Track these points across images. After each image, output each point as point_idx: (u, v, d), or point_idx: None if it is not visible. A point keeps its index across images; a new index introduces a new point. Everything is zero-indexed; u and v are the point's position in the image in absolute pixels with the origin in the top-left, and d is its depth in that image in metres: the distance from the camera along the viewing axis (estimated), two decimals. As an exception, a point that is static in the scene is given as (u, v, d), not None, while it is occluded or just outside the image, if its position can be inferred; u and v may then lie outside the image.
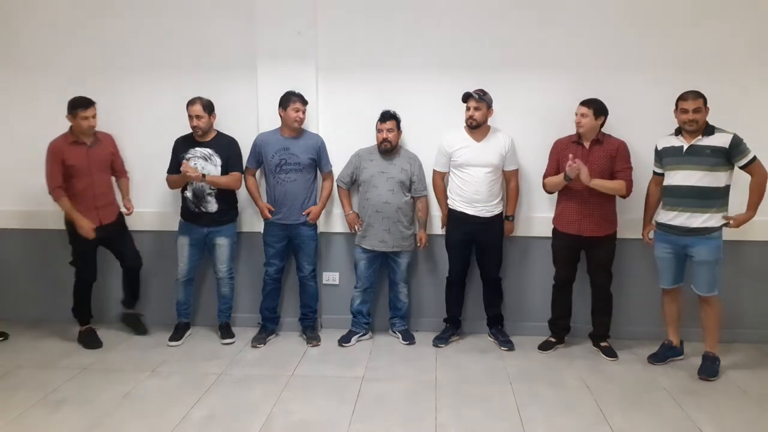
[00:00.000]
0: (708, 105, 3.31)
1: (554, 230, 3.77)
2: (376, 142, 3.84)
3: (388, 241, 3.83)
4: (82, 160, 3.70)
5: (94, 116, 3.70)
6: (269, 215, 3.84)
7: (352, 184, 3.94)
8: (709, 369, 3.39)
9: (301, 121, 3.78)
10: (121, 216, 3.96)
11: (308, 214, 3.86)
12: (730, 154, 3.26)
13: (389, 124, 3.76)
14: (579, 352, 3.78)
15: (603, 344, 3.77)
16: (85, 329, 3.98)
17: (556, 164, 3.67)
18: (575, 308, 3.85)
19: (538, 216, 3.95)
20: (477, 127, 3.69)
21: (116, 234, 3.91)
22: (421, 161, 3.90)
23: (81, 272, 3.88)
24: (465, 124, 3.74)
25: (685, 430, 2.84)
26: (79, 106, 3.64)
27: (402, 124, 3.84)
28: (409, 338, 3.95)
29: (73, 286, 3.92)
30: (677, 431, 2.84)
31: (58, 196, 3.67)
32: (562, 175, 3.53)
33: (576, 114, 3.56)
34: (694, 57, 3.74)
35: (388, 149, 3.79)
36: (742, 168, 3.29)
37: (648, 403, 3.11)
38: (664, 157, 3.45)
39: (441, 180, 3.88)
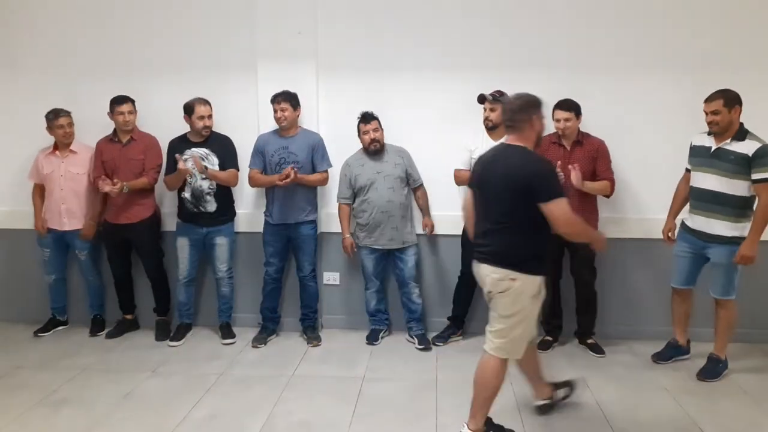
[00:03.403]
0: (738, 106, 3.15)
1: None
2: (361, 146, 3.83)
3: (396, 239, 3.82)
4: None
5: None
6: (290, 171, 3.62)
7: (354, 197, 3.89)
8: (710, 371, 3.38)
9: (285, 119, 3.73)
10: None
11: (306, 216, 3.85)
12: (751, 163, 3.10)
13: (373, 124, 3.75)
14: (579, 352, 3.78)
15: (589, 341, 3.78)
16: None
17: None
18: (572, 307, 3.86)
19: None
20: (493, 128, 3.69)
21: None
22: (409, 152, 3.89)
23: None
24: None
25: (686, 430, 2.84)
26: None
27: (403, 125, 3.83)
28: (425, 343, 3.85)
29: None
30: (678, 431, 2.84)
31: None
32: None
33: (557, 119, 3.53)
34: (706, 57, 3.73)
35: (378, 149, 3.78)
36: (753, 182, 3.11)
37: (649, 403, 3.11)
38: (694, 155, 3.37)
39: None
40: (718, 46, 3.72)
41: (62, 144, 3.95)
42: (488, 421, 2.67)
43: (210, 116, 3.79)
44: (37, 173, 4.02)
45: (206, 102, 3.79)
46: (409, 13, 3.91)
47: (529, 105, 2.56)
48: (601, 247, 2.70)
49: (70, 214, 3.98)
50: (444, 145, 3.89)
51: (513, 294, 2.51)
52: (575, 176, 3.41)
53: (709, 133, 3.30)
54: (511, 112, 2.57)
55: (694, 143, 3.40)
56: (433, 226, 3.93)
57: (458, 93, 3.85)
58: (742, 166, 3.13)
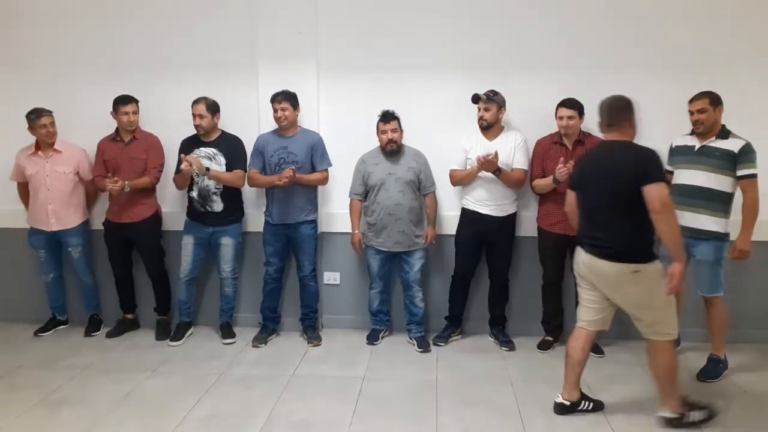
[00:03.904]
0: (721, 106, 3.26)
1: (540, 230, 3.79)
2: (378, 145, 3.82)
3: (402, 242, 3.80)
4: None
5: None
6: (290, 173, 3.63)
7: (367, 194, 3.86)
8: (711, 371, 3.39)
9: (285, 119, 3.73)
10: None
11: (306, 216, 3.85)
12: (737, 160, 3.20)
13: (393, 124, 3.73)
14: (580, 352, 3.78)
15: None
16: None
17: (541, 165, 3.68)
18: (569, 307, 3.86)
19: (535, 216, 3.94)
20: (488, 128, 3.69)
21: None
22: (426, 157, 3.86)
23: None
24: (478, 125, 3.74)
25: (686, 430, 2.83)
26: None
27: (403, 125, 3.82)
28: (424, 346, 3.83)
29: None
30: (678, 431, 2.83)
31: None
32: (551, 178, 3.54)
33: (561, 117, 3.55)
34: (697, 57, 3.74)
35: (395, 149, 3.76)
36: (739, 178, 3.22)
37: (649, 403, 3.09)
38: (676, 155, 3.44)
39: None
40: (719, 46, 3.73)
41: (45, 144, 3.91)
42: (685, 400, 2.82)
43: (201, 115, 3.74)
44: (20, 174, 3.99)
45: (199, 101, 3.75)
46: (409, 12, 3.91)
47: (628, 105, 2.78)
48: (678, 273, 2.60)
49: (57, 214, 3.94)
50: (444, 145, 3.88)
51: (639, 284, 2.69)
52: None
53: (692, 133, 3.39)
54: (612, 111, 2.79)
55: (676, 144, 3.47)
56: (434, 237, 3.86)
57: (459, 93, 3.84)
58: (728, 162, 3.22)
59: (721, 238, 3.28)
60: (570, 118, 3.53)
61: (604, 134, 2.87)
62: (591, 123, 3.64)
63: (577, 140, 3.61)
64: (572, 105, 3.54)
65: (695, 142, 3.35)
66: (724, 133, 3.27)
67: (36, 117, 3.84)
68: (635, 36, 3.79)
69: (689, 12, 3.74)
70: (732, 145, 3.22)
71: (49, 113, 3.88)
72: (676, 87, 3.52)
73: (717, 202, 3.26)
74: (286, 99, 3.72)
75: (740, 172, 3.21)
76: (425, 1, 3.90)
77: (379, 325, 4.04)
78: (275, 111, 3.72)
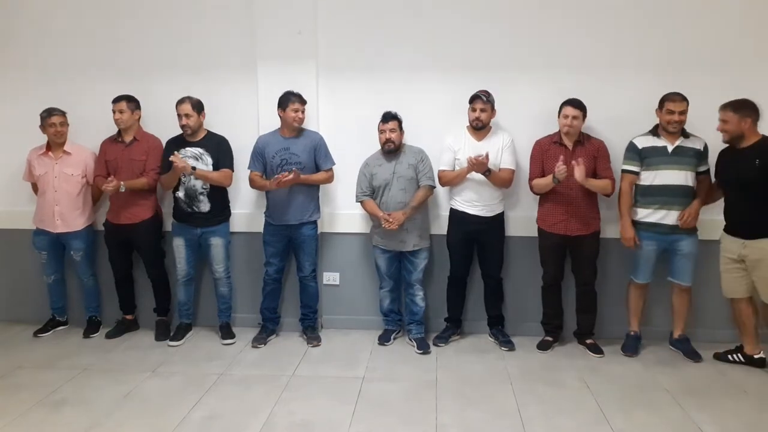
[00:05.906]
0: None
1: (540, 230, 3.79)
2: (379, 146, 3.82)
3: (407, 241, 3.79)
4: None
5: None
6: (288, 175, 3.63)
7: (373, 192, 3.84)
8: (692, 350, 3.64)
9: (301, 120, 3.76)
10: None
11: (309, 217, 3.86)
12: (701, 156, 3.49)
13: (391, 125, 3.73)
14: (579, 352, 3.78)
15: (588, 341, 3.80)
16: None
17: (541, 165, 3.68)
18: (569, 307, 3.88)
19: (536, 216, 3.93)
20: (482, 128, 3.70)
21: None
22: (426, 153, 3.82)
23: None
24: (468, 125, 3.74)
25: (685, 430, 2.84)
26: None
27: (404, 125, 3.82)
28: (424, 347, 3.80)
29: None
30: (678, 431, 2.84)
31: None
32: (550, 178, 3.54)
33: (566, 116, 3.55)
34: (690, 57, 3.74)
35: (392, 149, 3.76)
36: (699, 173, 3.52)
37: (648, 403, 3.11)
38: (647, 156, 3.52)
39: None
40: (720, 47, 3.72)
41: (55, 144, 3.92)
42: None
43: (187, 115, 3.74)
44: (31, 174, 4.01)
45: (184, 100, 3.75)
46: (409, 13, 3.91)
47: None
48: None
49: (63, 216, 3.94)
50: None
51: None
52: (579, 171, 3.43)
53: (654, 133, 3.52)
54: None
55: (643, 145, 3.54)
56: (396, 218, 3.64)
57: (459, 93, 3.84)
58: (697, 159, 3.50)
59: (696, 230, 3.57)
60: (575, 117, 3.54)
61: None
62: (591, 123, 3.68)
63: (577, 140, 3.62)
64: (578, 105, 3.55)
65: (665, 143, 3.50)
66: (686, 133, 3.52)
67: (47, 115, 3.85)
68: (633, 36, 3.78)
69: (688, 12, 3.74)
70: (697, 143, 3.50)
71: (60, 113, 3.88)
72: (674, 87, 3.51)
73: (690, 197, 3.50)
74: (300, 100, 3.74)
75: (703, 168, 3.53)
76: (425, 2, 3.90)
77: (391, 325, 4.02)
78: (295, 111, 3.71)
